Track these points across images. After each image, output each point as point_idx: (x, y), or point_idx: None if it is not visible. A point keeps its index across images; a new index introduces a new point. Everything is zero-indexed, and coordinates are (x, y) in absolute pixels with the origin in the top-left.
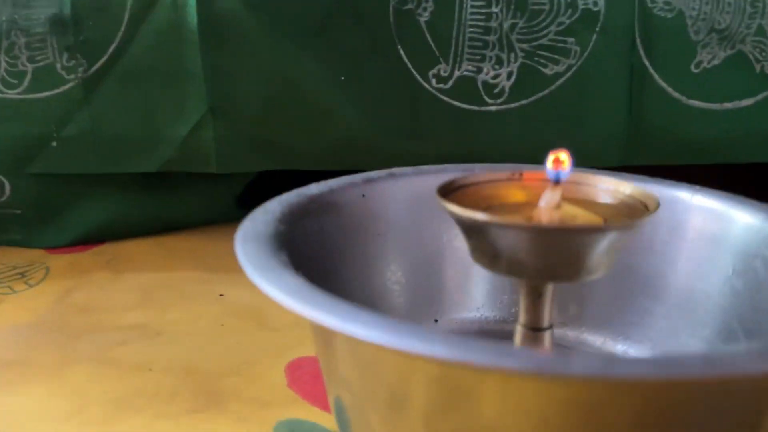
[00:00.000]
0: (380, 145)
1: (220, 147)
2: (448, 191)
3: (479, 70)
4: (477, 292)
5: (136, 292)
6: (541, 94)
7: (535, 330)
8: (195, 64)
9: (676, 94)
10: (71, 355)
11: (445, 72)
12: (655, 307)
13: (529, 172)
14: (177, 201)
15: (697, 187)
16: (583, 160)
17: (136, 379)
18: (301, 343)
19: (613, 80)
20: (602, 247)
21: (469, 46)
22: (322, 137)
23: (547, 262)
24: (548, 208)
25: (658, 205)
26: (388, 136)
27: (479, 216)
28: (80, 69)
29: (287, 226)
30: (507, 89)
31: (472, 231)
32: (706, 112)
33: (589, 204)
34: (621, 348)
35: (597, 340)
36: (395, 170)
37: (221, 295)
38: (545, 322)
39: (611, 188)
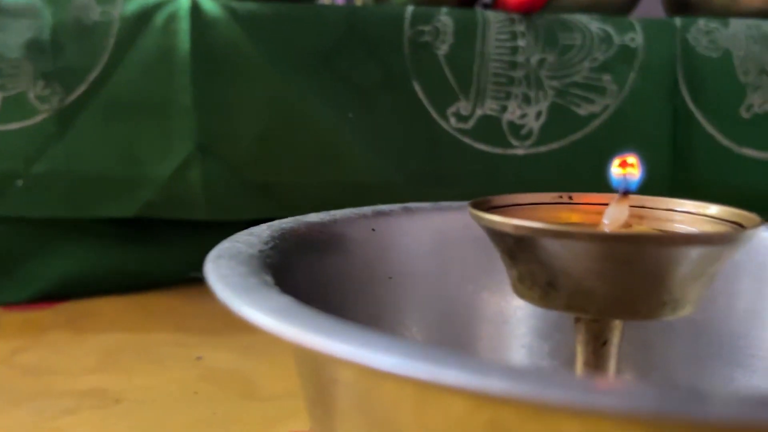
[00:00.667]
0: (392, 191)
1: (209, 190)
2: (481, 210)
3: (504, 109)
4: (514, 352)
5: (98, 353)
6: (574, 137)
7: None
8: (185, 96)
9: (726, 141)
10: (5, 424)
11: (465, 110)
12: (740, 376)
13: (579, 195)
14: (157, 254)
15: None
16: None
17: None
18: (293, 415)
19: (655, 123)
20: (692, 268)
21: (493, 83)
22: (328, 181)
23: (620, 289)
24: (615, 226)
25: (760, 221)
26: (401, 181)
27: (533, 225)
28: (56, 99)
29: (276, 254)
30: (536, 130)
31: (518, 251)
32: (760, 162)
33: (666, 226)
34: None
35: None
36: (411, 205)
37: (199, 357)
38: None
39: (691, 211)
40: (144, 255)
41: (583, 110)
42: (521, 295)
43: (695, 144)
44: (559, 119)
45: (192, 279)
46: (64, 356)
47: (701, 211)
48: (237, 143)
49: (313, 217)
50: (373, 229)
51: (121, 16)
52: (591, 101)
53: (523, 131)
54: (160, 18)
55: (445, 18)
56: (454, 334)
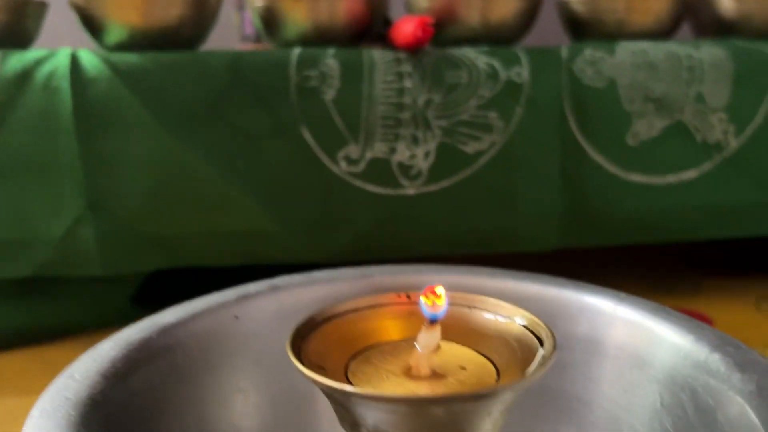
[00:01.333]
0: (286, 237)
1: (103, 246)
2: (311, 328)
3: (393, 151)
4: None
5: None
6: (462, 175)
7: None
8: (71, 155)
9: (613, 168)
10: None
11: (355, 154)
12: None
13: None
14: (59, 305)
15: (623, 295)
16: (516, 244)
17: None
18: None
19: (544, 156)
20: (495, 408)
21: (381, 125)
22: (219, 230)
23: None
24: (426, 352)
25: (553, 347)
26: (294, 227)
27: (340, 386)
28: None
29: (115, 382)
30: (425, 170)
31: (340, 402)
32: (647, 186)
33: (474, 338)
34: None
35: None
36: (279, 281)
37: None
38: None
39: (502, 316)
40: (47, 307)
41: (470, 148)
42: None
43: (584, 173)
44: (448, 158)
45: (103, 325)
46: None
47: (512, 316)
48: (127, 198)
49: (169, 316)
50: (236, 317)
51: (1, 77)
52: (478, 139)
53: (413, 172)
54: (40, 76)
55: (331, 61)
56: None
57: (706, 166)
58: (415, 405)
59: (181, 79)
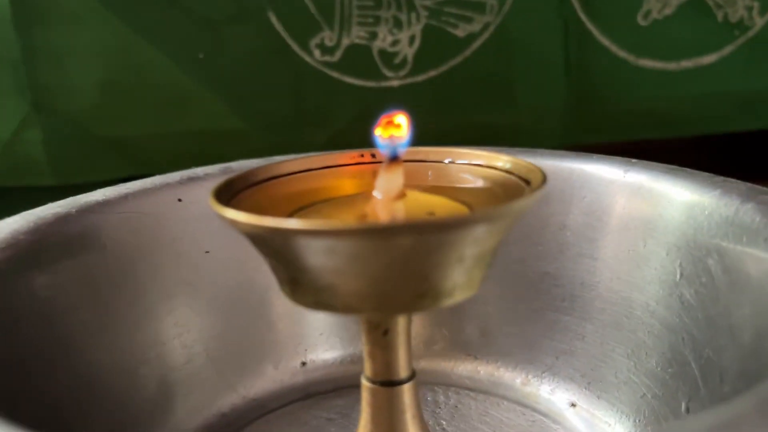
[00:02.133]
0: (253, 136)
1: (52, 151)
2: (245, 186)
3: (373, 36)
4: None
5: None
6: (453, 62)
7: (387, 384)
8: (11, 48)
9: (622, 53)
10: None
11: (330, 41)
12: (584, 327)
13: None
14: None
15: (633, 160)
16: (515, 140)
17: None
18: None
19: (544, 39)
20: (463, 251)
21: (359, 7)
22: (181, 131)
23: (363, 284)
24: (386, 198)
25: (543, 181)
26: (262, 125)
27: (264, 222)
28: None
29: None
30: (410, 58)
31: (269, 250)
32: (660, 72)
33: (449, 190)
34: (547, 389)
35: (517, 378)
36: (235, 164)
37: None
38: (402, 371)
39: (481, 164)
40: None
41: (460, 31)
42: (291, 299)
43: (589, 58)
44: (435, 43)
45: None
46: None
47: (493, 164)
48: (76, 96)
49: (98, 195)
50: (180, 200)
51: None
52: (469, 20)
53: (396, 60)
54: None
55: None
56: (250, 319)
57: (728, 49)
58: (364, 236)
59: None
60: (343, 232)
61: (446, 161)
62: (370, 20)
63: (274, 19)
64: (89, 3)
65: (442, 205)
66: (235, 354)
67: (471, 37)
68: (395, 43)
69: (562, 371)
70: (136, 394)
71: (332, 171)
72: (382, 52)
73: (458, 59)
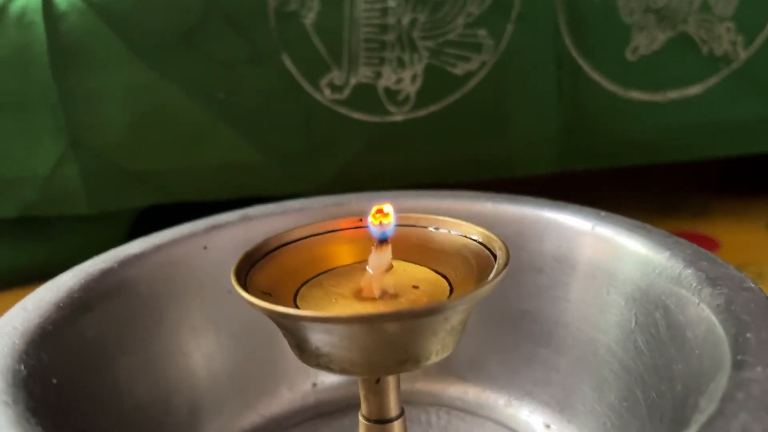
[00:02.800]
0: (269, 168)
1: (88, 183)
2: (263, 254)
3: (379, 76)
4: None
5: None
6: (452, 98)
7: (380, 422)
8: (49, 92)
9: (612, 86)
10: None
11: (339, 80)
12: (559, 360)
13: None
14: (55, 244)
15: (603, 213)
16: (511, 169)
17: None
18: None
19: (538, 75)
20: (436, 328)
21: (365, 49)
22: (200, 163)
23: (354, 355)
24: (377, 273)
25: (507, 260)
26: (277, 157)
27: (276, 309)
28: None
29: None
30: (413, 95)
31: (279, 324)
32: (647, 104)
33: (428, 258)
34: (526, 411)
35: (500, 399)
36: (252, 211)
37: None
38: (392, 411)
39: (454, 232)
40: (40, 247)
41: (459, 69)
42: (299, 358)
43: (581, 92)
44: (436, 81)
45: None
46: None
47: (466, 232)
48: (107, 134)
49: (134, 247)
50: (205, 247)
51: None
52: (467, 59)
53: (400, 97)
54: (13, 13)
55: None
56: (266, 348)
57: (713, 80)
58: (349, 323)
59: (155, 9)
60: (337, 319)
61: (432, 228)
62: (376, 61)
63: (287, 61)
64: (117, 48)
65: (425, 278)
66: (254, 379)
67: (469, 75)
68: (399, 81)
69: (539, 396)
70: (170, 420)
71: (334, 235)
72: (387, 90)
73: (457, 95)
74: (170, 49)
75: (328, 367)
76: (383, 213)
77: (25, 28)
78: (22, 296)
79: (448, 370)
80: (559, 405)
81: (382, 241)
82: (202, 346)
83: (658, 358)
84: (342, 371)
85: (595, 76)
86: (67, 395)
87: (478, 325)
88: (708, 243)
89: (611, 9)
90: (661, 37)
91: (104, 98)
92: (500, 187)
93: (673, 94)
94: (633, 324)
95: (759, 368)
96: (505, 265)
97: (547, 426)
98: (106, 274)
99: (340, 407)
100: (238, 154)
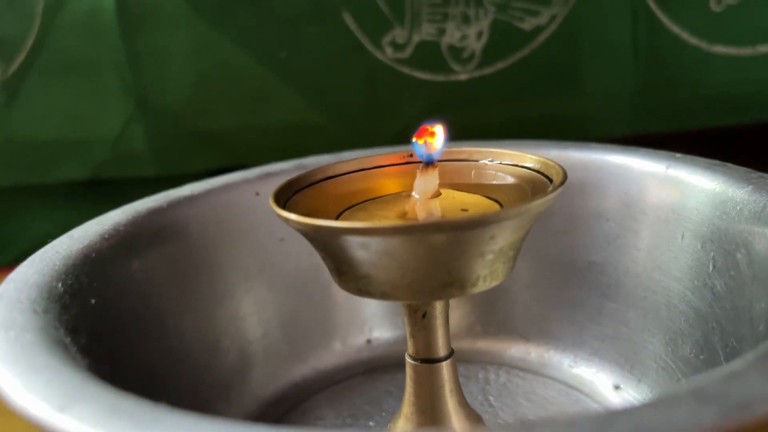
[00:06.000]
0: (330, 129)
1: (156, 144)
2: (303, 186)
3: (442, 33)
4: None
5: None
6: (520, 55)
7: (427, 362)
8: (118, 53)
9: (694, 40)
10: None
11: (401, 38)
12: (628, 314)
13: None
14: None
15: (678, 155)
16: (585, 130)
17: None
18: None
19: (612, 29)
20: (483, 247)
21: (428, 5)
22: (264, 124)
23: (396, 275)
24: (424, 197)
25: (564, 179)
26: (338, 118)
27: (307, 221)
28: None
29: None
30: (478, 52)
31: (317, 244)
32: (734, 59)
33: (480, 187)
34: (593, 371)
35: (565, 359)
36: (308, 160)
37: None
38: (441, 351)
39: (515, 164)
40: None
41: (527, 24)
42: (340, 286)
43: (659, 46)
44: (502, 37)
45: None
46: None
47: (520, 163)
48: (173, 95)
49: (185, 190)
50: (258, 193)
51: None
52: (535, 13)
53: (465, 54)
54: None
55: None
56: (319, 300)
57: None
58: (387, 234)
59: None
60: (371, 230)
61: (487, 161)
62: (439, 17)
63: (348, 19)
64: (182, 9)
65: (475, 203)
66: (306, 331)
67: (538, 30)
68: (463, 38)
69: (607, 355)
70: (218, 363)
71: (382, 171)
72: (451, 48)
73: (525, 51)
74: (233, 7)
75: (368, 291)
76: (430, 132)
77: None
78: None
79: (509, 328)
80: (629, 363)
81: (429, 163)
82: (253, 291)
83: (738, 300)
84: (383, 296)
85: (676, 28)
86: (107, 318)
87: (541, 281)
88: None
89: None
90: None
91: (170, 59)
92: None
93: (763, 48)
94: (711, 268)
95: None
96: (561, 183)
97: (617, 387)
98: (154, 213)
99: (394, 363)
100: (300, 114)
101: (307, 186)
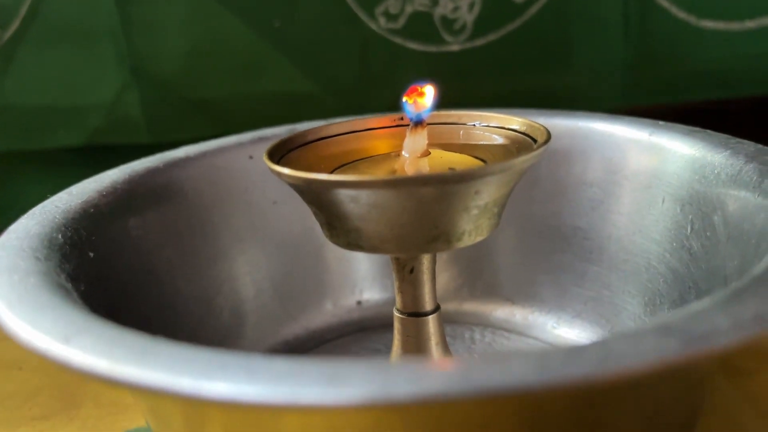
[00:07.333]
0: (324, 98)
1: (149, 111)
2: (296, 145)
3: (435, 3)
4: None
5: None
6: (511, 27)
7: (414, 315)
8: (112, 20)
9: (682, 14)
10: None
11: (394, 8)
12: (610, 277)
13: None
14: None
15: (661, 123)
16: (576, 102)
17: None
18: None
19: (603, 3)
20: (467, 202)
21: None
22: (259, 93)
23: (384, 228)
24: (413, 156)
25: (547, 138)
26: (331, 87)
27: (298, 174)
28: None
29: (112, 200)
30: (470, 24)
31: (308, 198)
32: (722, 33)
33: (468, 147)
34: (575, 332)
35: (548, 321)
36: (301, 126)
37: None
38: (427, 305)
39: (501, 126)
40: None
41: None
42: (329, 239)
43: (648, 20)
44: (494, 9)
45: None
46: None
47: (505, 125)
48: (167, 62)
49: (181, 152)
50: (251, 157)
51: None
52: None
53: (457, 25)
54: None
55: None
56: (311, 262)
57: None
58: (375, 186)
59: None
60: (361, 183)
61: (475, 123)
62: None
63: None
64: None
65: (461, 162)
66: (298, 291)
67: (529, 2)
68: (455, 9)
69: (588, 317)
70: (212, 321)
71: (373, 133)
72: (443, 19)
73: (517, 23)
74: None
75: (357, 245)
76: (419, 92)
77: None
78: None
79: (495, 291)
80: (609, 323)
81: (418, 123)
82: (246, 252)
83: (713, 260)
84: (372, 249)
85: (665, 3)
86: (105, 271)
87: (527, 246)
88: None
89: None
90: None
91: (164, 26)
92: None
93: (751, 23)
94: (689, 230)
95: None
96: (545, 142)
97: None
98: (151, 172)
99: (383, 323)
100: (293, 84)
101: (300, 146)
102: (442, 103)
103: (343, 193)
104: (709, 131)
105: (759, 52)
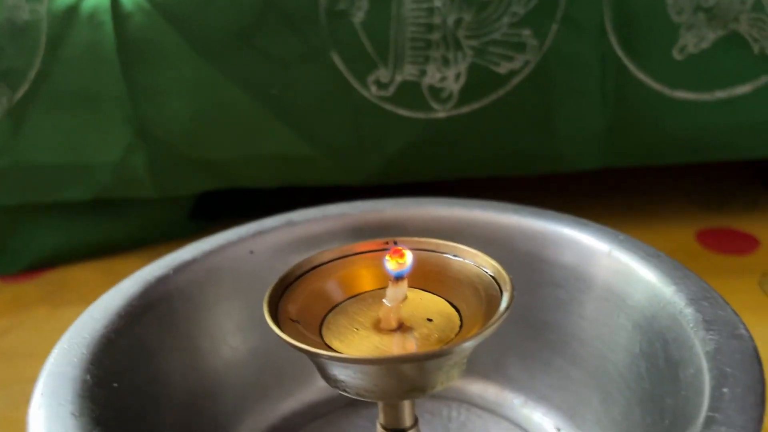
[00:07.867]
0: (319, 161)
1: (155, 170)
2: (293, 279)
3: (423, 74)
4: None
5: None
6: (495, 96)
7: (395, 431)
8: (118, 86)
9: (657, 85)
10: None
11: (385, 78)
12: (572, 371)
13: (404, 240)
14: (125, 222)
15: (622, 236)
16: (557, 165)
17: None
18: None
19: (582, 75)
20: (448, 362)
21: (411, 47)
22: (257, 154)
23: (368, 383)
24: (393, 305)
25: (508, 305)
26: (326, 151)
27: (300, 346)
28: (4, 99)
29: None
30: (456, 93)
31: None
32: (694, 103)
33: (443, 288)
34: (540, 413)
35: (517, 399)
36: (295, 215)
37: None
38: (407, 422)
39: (469, 261)
40: (111, 224)
41: (502, 68)
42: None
43: (626, 90)
44: (479, 79)
45: (165, 238)
46: (44, 335)
47: (481, 264)
48: (172, 126)
49: (187, 253)
50: (252, 252)
51: (49, 13)
52: (510, 58)
53: (444, 94)
54: (84, 12)
55: None
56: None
57: (763, 79)
58: (366, 364)
59: (215, 9)
60: (356, 360)
61: (449, 255)
62: (421, 59)
63: (336, 59)
64: (180, 46)
65: (438, 312)
66: (297, 370)
67: (512, 74)
68: (443, 79)
69: (553, 401)
70: (218, 406)
71: (359, 257)
72: (431, 88)
73: (500, 93)
74: (229, 47)
75: (344, 391)
76: (400, 254)
77: (96, 28)
78: (96, 268)
79: (473, 368)
80: (570, 411)
81: (398, 278)
82: (248, 341)
83: (656, 388)
84: (357, 395)
85: (641, 75)
86: (126, 397)
87: (503, 330)
88: (748, 242)
89: (660, 8)
90: (711, 35)
91: (168, 92)
92: (547, 177)
93: (721, 94)
94: (638, 349)
95: (723, 429)
96: (507, 309)
97: (558, 429)
98: (162, 281)
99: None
100: (290, 147)
101: (296, 279)
102: (431, 167)
103: (336, 363)
104: (663, 256)
105: (728, 121)
